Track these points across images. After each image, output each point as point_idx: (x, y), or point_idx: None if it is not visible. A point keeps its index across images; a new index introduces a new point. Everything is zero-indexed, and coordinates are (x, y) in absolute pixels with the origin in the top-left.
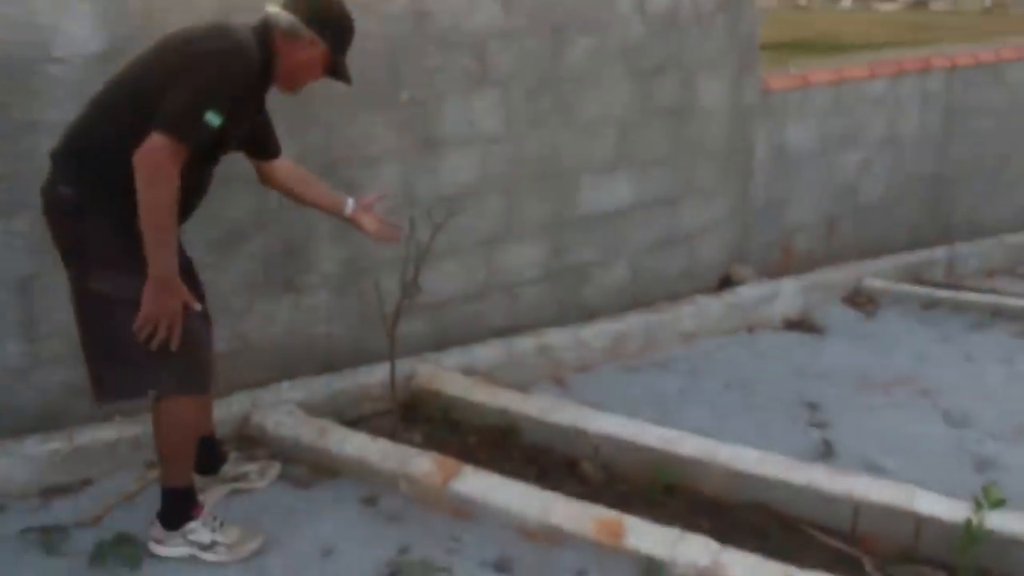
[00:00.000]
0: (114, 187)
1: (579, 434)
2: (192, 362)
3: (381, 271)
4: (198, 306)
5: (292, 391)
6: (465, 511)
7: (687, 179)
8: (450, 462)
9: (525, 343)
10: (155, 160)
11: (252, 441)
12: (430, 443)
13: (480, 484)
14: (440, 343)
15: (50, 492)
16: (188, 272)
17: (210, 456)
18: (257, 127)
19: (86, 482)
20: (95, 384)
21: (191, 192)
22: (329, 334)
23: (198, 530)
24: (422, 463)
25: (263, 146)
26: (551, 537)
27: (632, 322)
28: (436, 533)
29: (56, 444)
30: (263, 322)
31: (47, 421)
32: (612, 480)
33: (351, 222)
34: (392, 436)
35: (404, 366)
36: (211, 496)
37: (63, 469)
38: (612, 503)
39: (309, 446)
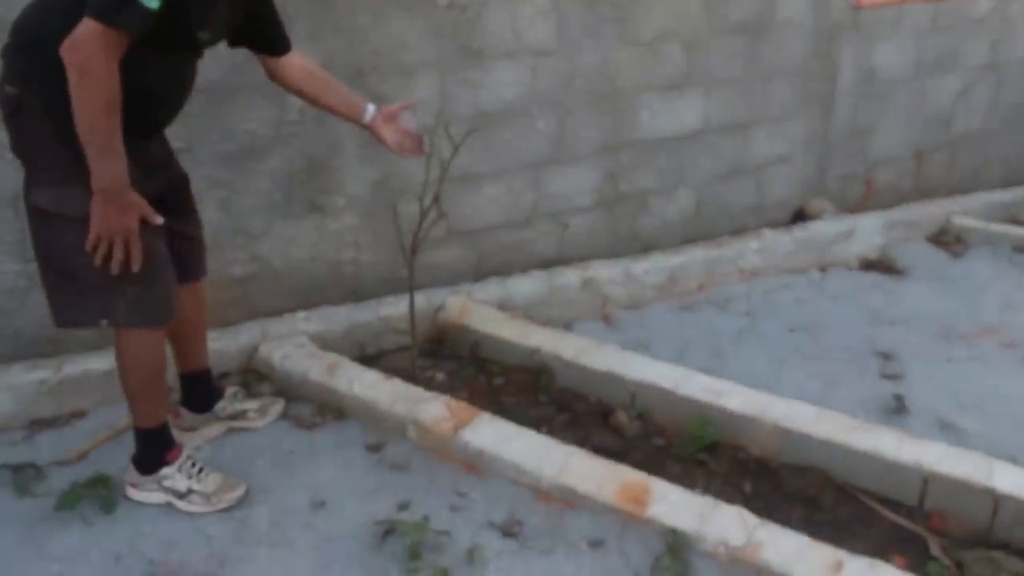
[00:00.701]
0: (59, 87)
1: (615, 380)
2: (149, 289)
3: (414, 193)
4: (159, 219)
5: (307, 322)
6: (475, 464)
7: (760, 103)
8: (464, 408)
9: (569, 276)
10: (83, 51)
11: (259, 376)
12: (454, 383)
13: (494, 434)
14: (480, 273)
15: (36, 425)
16: (178, 192)
17: (203, 392)
18: (257, 22)
19: (77, 415)
20: (50, 308)
21: (159, 94)
22: (357, 261)
23: (173, 476)
24: (432, 408)
25: (267, 41)
26: (567, 499)
27: (690, 256)
28: (441, 487)
29: (43, 373)
30: (283, 245)
31: (47, 346)
32: (648, 433)
33: (370, 131)
34: (411, 375)
35: (434, 297)
36: (204, 435)
37: (51, 401)
38: (645, 459)
39: (317, 384)
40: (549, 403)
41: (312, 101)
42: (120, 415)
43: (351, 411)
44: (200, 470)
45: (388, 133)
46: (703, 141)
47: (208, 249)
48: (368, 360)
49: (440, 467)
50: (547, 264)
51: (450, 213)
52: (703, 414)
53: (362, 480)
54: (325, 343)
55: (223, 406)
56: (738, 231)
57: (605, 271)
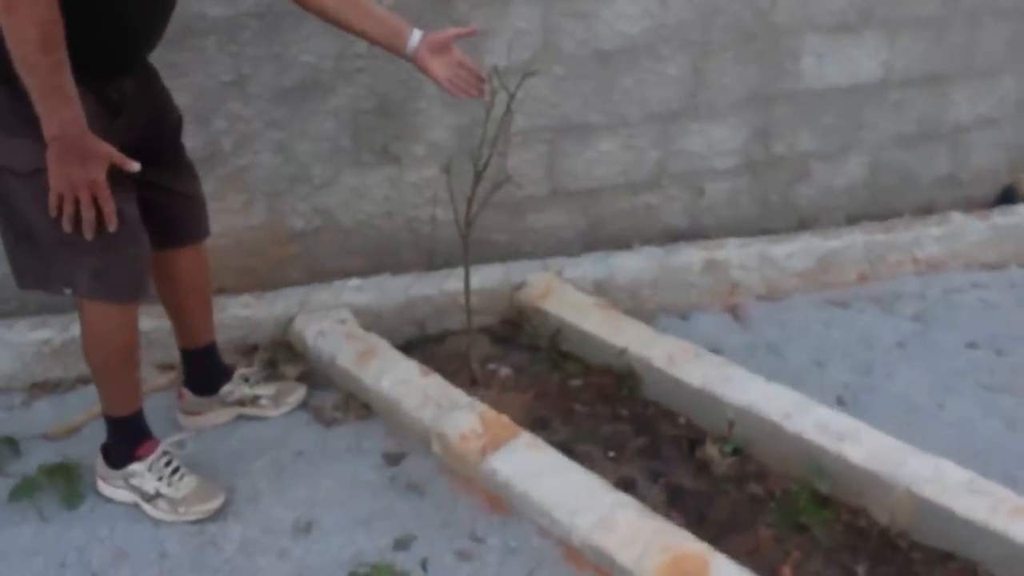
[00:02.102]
0: None
1: (711, 401)
2: (112, 261)
3: (512, 144)
4: (135, 166)
5: (358, 292)
6: (500, 499)
7: (962, 51)
8: (502, 423)
9: (689, 255)
10: None
11: (292, 352)
12: (520, 380)
13: (528, 464)
14: (589, 242)
15: (38, 388)
16: (165, 139)
17: (205, 371)
18: None
19: (84, 381)
20: (11, 268)
21: (122, 20)
22: (437, 220)
23: (142, 475)
24: (462, 419)
25: None
26: (600, 565)
27: (848, 239)
28: (455, 524)
29: (47, 332)
30: (351, 198)
31: (62, 304)
32: (743, 475)
33: (416, 64)
34: (463, 367)
35: (516, 271)
36: (208, 421)
37: (55, 363)
38: (729, 513)
39: (344, 371)
40: (628, 419)
41: (342, 24)
42: None
43: (377, 408)
44: (175, 471)
45: (437, 66)
46: (882, 96)
47: (262, 197)
48: (428, 342)
49: (460, 497)
50: (675, 236)
51: (556, 168)
52: (817, 461)
53: (366, 500)
54: (377, 318)
55: (230, 390)
56: (924, 209)
57: (736, 251)
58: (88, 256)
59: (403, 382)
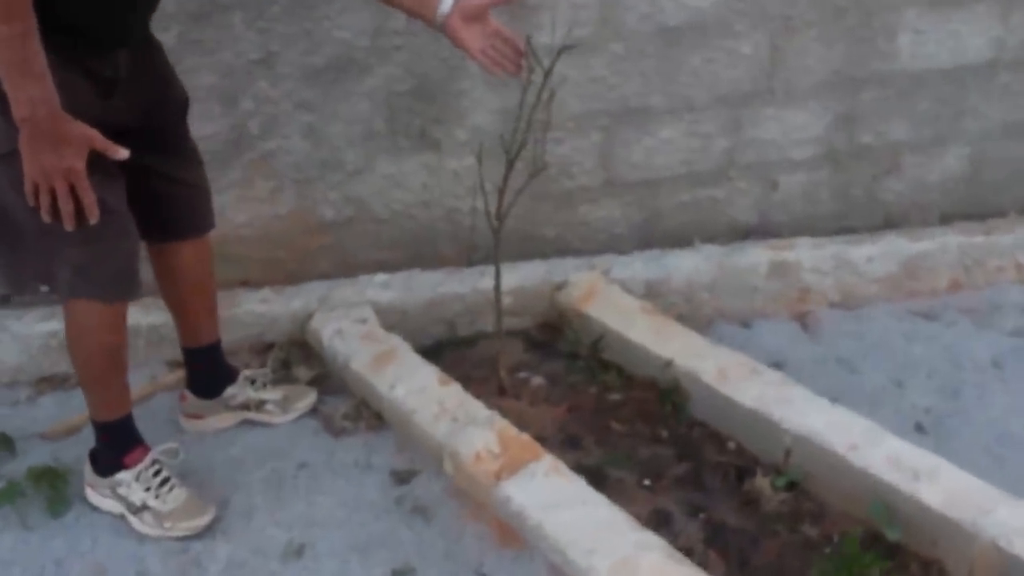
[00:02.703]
0: None
1: (765, 425)
2: (97, 255)
3: (564, 129)
4: (123, 153)
5: (383, 288)
6: (512, 530)
7: None
8: (522, 444)
9: (752, 256)
10: None
11: (307, 352)
12: (553, 392)
13: (546, 492)
14: (647, 237)
15: (45, 383)
16: (166, 122)
17: (206, 371)
18: None
19: None
20: None
21: None
22: (478, 211)
23: (129, 485)
24: (477, 437)
25: None
26: None
27: (939, 241)
28: (460, 556)
29: (55, 324)
30: (387, 186)
31: None
32: (798, 513)
33: (445, 33)
34: (492, 375)
35: (559, 270)
36: (209, 426)
37: (62, 356)
38: (779, 557)
39: (357, 376)
40: (670, 441)
41: None
42: (145, 378)
43: (390, 419)
44: (164, 482)
45: (470, 36)
46: (990, 78)
47: (291, 184)
48: (458, 345)
49: (469, 525)
50: (743, 233)
51: (612, 157)
52: (886, 502)
53: (366, 523)
54: (403, 317)
55: (233, 393)
56: None
57: (808, 252)
58: (70, 249)
59: (419, 391)
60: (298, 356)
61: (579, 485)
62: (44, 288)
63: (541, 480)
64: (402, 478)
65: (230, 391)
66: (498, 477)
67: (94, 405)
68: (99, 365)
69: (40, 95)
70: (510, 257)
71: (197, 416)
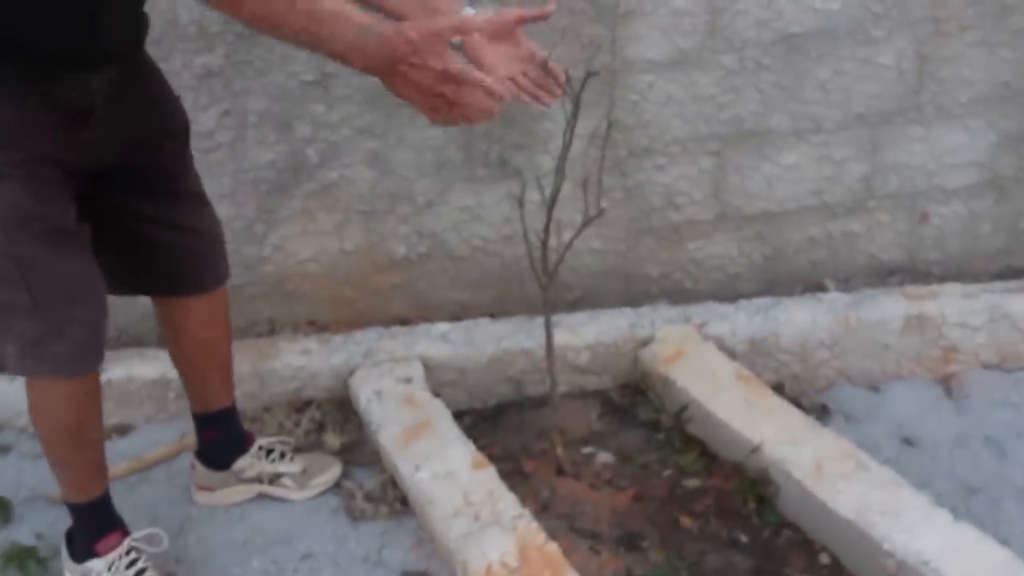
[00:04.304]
0: None
1: (864, 541)
2: (51, 326)
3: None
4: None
5: (441, 341)
6: None
7: None
8: (548, 556)
9: (884, 307)
10: None
11: (348, 414)
12: (620, 473)
13: None
14: (768, 279)
15: None
16: (160, 158)
17: (216, 440)
18: None
19: (121, 430)
20: None
21: None
22: (575, 248)
23: (100, 574)
24: (493, 546)
25: None
26: None
27: None
28: None
29: None
30: (464, 219)
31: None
32: None
33: (463, 51)
34: (548, 450)
35: (647, 320)
36: (220, 499)
37: None
38: None
39: (386, 450)
40: (750, 547)
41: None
42: (172, 435)
43: (413, 504)
44: (139, 573)
45: (495, 58)
46: None
47: (357, 217)
48: (524, 407)
49: None
50: (886, 273)
51: (725, 186)
52: None
53: None
54: (461, 375)
55: (246, 464)
56: None
57: (954, 303)
58: (14, 322)
59: (444, 476)
60: (335, 418)
61: None
62: None
63: None
64: None
65: (241, 462)
66: None
67: (62, 485)
68: (62, 443)
69: (338, 47)
70: (608, 296)
71: (207, 488)
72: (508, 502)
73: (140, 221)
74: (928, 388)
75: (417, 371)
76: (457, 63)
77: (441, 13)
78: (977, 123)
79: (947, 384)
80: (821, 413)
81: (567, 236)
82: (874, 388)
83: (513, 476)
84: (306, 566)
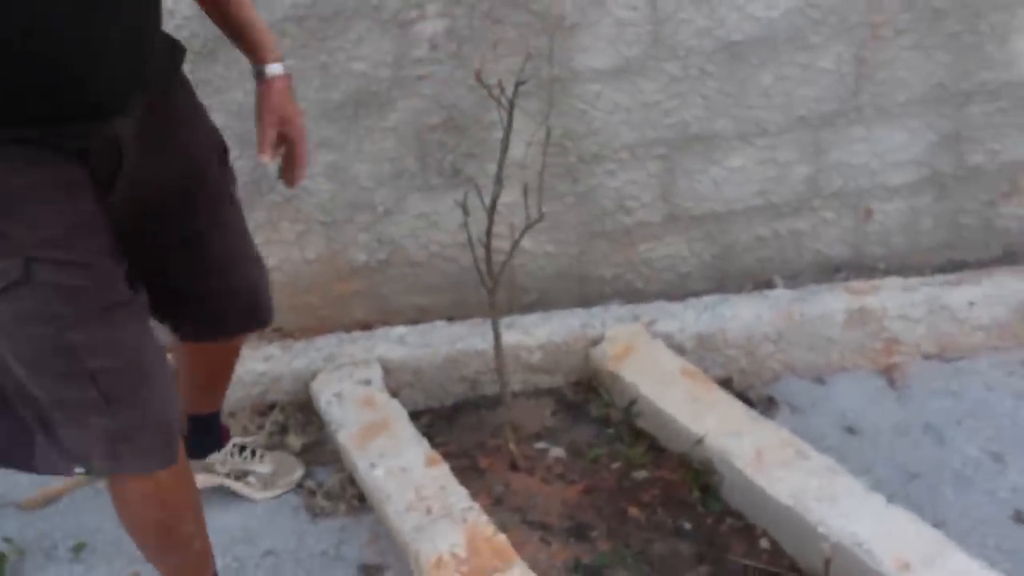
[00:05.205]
0: None
1: (801, 526)
2: (130, 409)
3: (613, 160)
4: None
5: (398, 344)
6: None
7: None
8: (496, 547)
9: (827, 302)
10: None
11: (310, 416)
12: (571, 468)
13: None
14: (719, 277)
15: None
16: (197, 200)
17: (200, 436)
18: None
19: None
20: None
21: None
22: (523, 251)
23: None
24: (444, 538)
25: None
26: None
27: None
28: None
29: None
30: (421, 226)
31: None
32: None
33: (257, 94)
34: (502, 446)
35: (598, 319)
36: None
37: None
38: None
39: (344, 450)
40: (694, 535)
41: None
42: None
43: (371, 501)
44: None
45: (271, 118)
46: None
47: (319, 227)
48: (481, 405)
49: None
50: (833, 269)
51: (674, 189)
52: None
53: None
54: (417, 375)
55: (218, 460)
56: None
57: (895, 296)
58: (93, 416)
59: (399, 472)
60: (297, 420)
61: None
62: (79, 469)
63: None
64: (369, 574)
65: (215, 457)
66: None
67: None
68: (159, 542)
69: None
70: (559, 296)
71: None
72: (459, 496)
73: (191, 267)
74: (871, 379)
75: (376, 373)
76: None
77: (253, 42)
78: (915, 123)
79: (889, 375)
80: (768, 405)
81: (526, 239)
82: (819, 380)
83: (468, 472)
84: (268, 562)
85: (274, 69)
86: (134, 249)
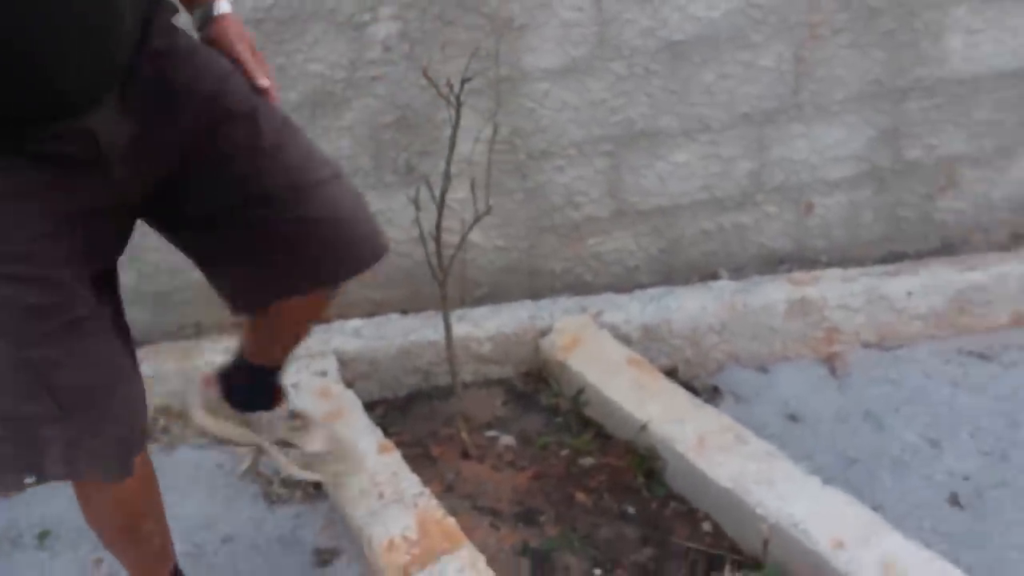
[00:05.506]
0: None
1: (740, 508)
2: (86, 421)
3: (564, 157)
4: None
5: (353, 336)
6: None
7: None
8: (445, 530)
9: (769, 293)
10: None
11: None
12: (521, 455)
13: None
14: (666, 271)
15: None
16: (239, 153)
17: (253, 388)
18: None
19: None
20: None
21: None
22: (475, 245)
23: None
24: (395, 522)
25: None
26: None
27: (997, 270)
28: None
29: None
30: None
31: None
32: None
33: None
34: (454, 435)
35: (547, 311)
36: (215, 428)
37: None
38: None
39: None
40: (639, 519)
41: None
42: None
43: (327, 489)
44: None
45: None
46: None
47: None
48: (434, 396)
49: None
50: (776, 261)
51: (621, 185)
52: None
53: None
54: (372, 367)
55: (264, 420)
56: None
57: (835, 287)
58: (46, 429)
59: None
60: None
61: None
62: (29, 479)
63: None
64: (324, 559)
65: (260, 416)
66: (406, 572)
67: (129, 572)
68: (123, 544)
69: None
70: (511, 290)
71: (213, 412)
72: (410, 482)
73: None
74: (812, 368)
75: (332, 365)
76: None
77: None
78: (854, 119)
79: (830, 363)
80: (712, 394)
81: (472, 234)
82: (762, 369)
83: (421, 460)
84: (226, 548)
85: (225, 5)
86: (179, 222)
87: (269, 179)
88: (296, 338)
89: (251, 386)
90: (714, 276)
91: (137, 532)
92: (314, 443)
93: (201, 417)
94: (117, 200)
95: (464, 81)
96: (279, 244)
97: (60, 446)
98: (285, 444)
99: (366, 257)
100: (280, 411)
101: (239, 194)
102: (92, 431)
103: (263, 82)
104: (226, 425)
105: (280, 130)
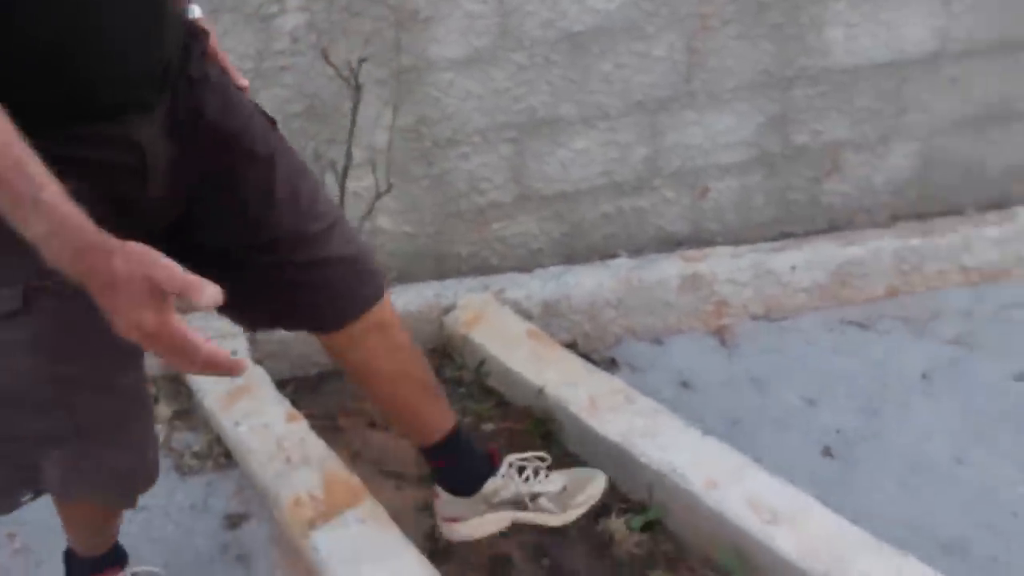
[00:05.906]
0: None
1: (627, 460)
2: (96, 445)
3: (470, 145)
4: (210, 295)
5: None
6: None
7: None
8: (350, 487)
9: (662, 269)
10: None
11: (179, 386)
12: None
13: (354, 543)
14: (568, 253)
15: None
16: (262, 179)
17: (460, 465)
18: None
19: None
20: None
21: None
22: (384, 232)
23: None
24: (302, 481)
25: None
26: None
27: (874, 245)
28: None
29: None
30: None
31: None
32: (653, 556)
33: None
34: (362, 409)
35: (451, 291)
36: (470, 530)
37: None
38: None
39: (210, 411)
40: None
41: None
42: None
43: (236, 457)
44: None
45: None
46: (935, 71)
47: None
48: (342, 374)
49: (284, 575)
50: (674, 243)
51: (524, 171)
52: (739, 547)
53: (186, 573)
54: (283, 345)
55: (498, 486)
56: (995, 206)
57: (723, 263)
58: (56, 449)
59: (261, 428)
60: (168, 391)
61: (393, 535)
62: (26, 497)
63: (354, 529)
64: (233, 522)
65: (492, 485)
66: (312, 525)
67: (73, 545)
68: (84, 535)
69: (46, 228)
70: (421, 275)
71: (453, 519)
72: (317, 447)
73: (271, 259)
74: (704, 339)
75: (241, 345)
76: (171, 325)
77: None
78: (744, 107)
79: (720, 335)
80: (610, 366)
81: (381, 220)
82: (657, 341)
83: (329, 432)
84: (140, 517)
85: (198, 10)
86: (188, 255)
87: (278, 228)
88: (420, 392)
89: (455, 465)
90: (614, 257)
91: (104, 529)
92: (555, 482)
93: (452, 531)
94: (149, 222)
95: (361, 61)
96: (283, 289)
97: (62, 469)
98: (534, 497)
99: (369, 297)
100: (504, 468)
101: (246, 238)
102: (100, 460)
103: (242, 82)
104: (475, 522)
105: (292, 178)
